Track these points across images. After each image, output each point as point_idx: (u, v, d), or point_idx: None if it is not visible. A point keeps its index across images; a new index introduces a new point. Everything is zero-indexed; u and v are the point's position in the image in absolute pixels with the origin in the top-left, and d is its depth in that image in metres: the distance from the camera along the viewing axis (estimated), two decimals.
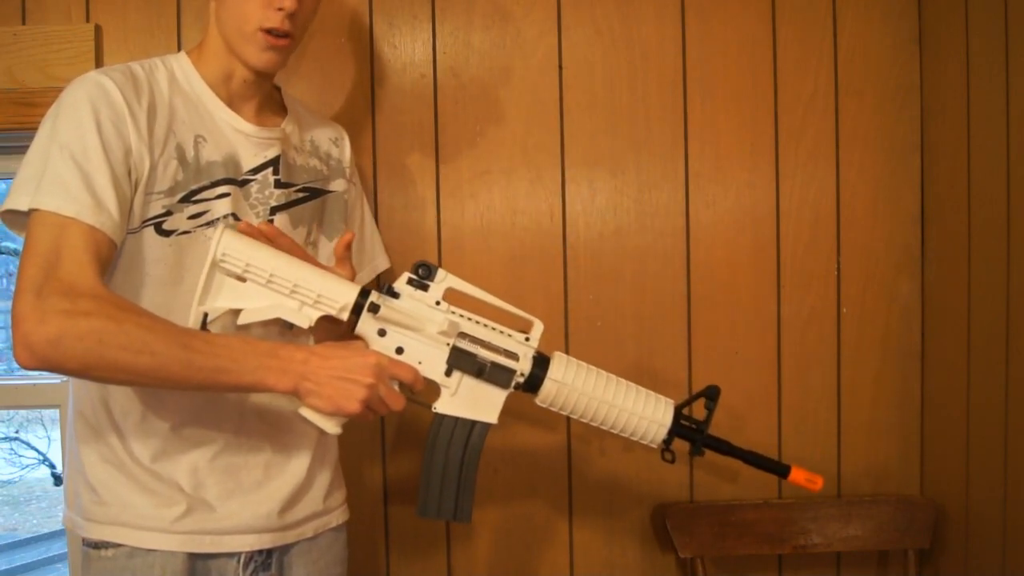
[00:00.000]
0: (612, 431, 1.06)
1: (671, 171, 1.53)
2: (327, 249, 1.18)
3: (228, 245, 0.95)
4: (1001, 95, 1.31)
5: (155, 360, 0.88)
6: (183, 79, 1.07)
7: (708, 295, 1.53)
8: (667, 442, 1.08)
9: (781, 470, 1.10)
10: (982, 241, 1.38)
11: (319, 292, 0.97)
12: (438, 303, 1.01)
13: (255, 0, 1.01)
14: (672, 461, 1.08)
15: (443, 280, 1.01)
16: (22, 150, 0.98)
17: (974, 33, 1.39)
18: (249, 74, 1.08)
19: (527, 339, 1.03)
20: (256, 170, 1.09)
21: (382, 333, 1.00)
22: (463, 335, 1.01)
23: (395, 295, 1.00)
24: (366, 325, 0.99)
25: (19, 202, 0.93)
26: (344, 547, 1.20)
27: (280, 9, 1.01)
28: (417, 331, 1.00)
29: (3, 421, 6.58)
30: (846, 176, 1.54)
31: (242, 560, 1.06)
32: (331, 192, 1.21)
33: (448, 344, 1.00)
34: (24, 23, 1.44)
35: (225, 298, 0.95)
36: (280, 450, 1.11)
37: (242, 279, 0.96)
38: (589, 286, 1.52)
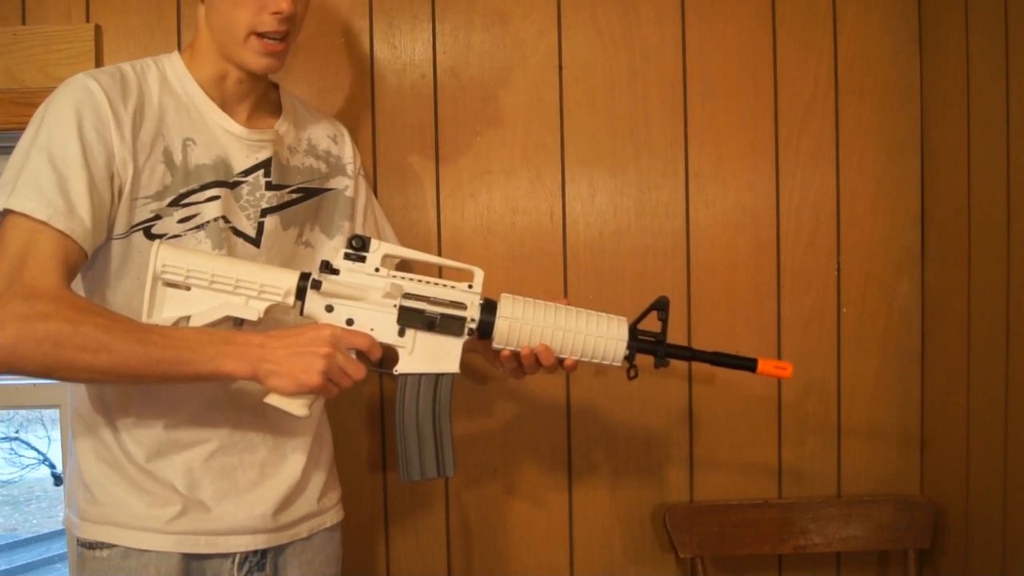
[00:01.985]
0: (573, 357, 1.06)
1: (671, 171, 1.53)
2: (325, 247, 1.18)
3: (166, 257, 0.97)
4: (1001, 95, 1.31)
5: (114, 357, 0.89)
6: (175, 80, 1.06)
7: (708, 295, 1.53)
8: (629, 359, 1.08)
9: (748, 364, 1.10)
10: (982, 241, 1.38)
11: (261, 283, 0.99)
12: (377, 270, 1.02)
13: (247, 5, 1.00)
14: (635, 376, 1.08)
15: (378, 248, 1.03)
16: None
17: (974, 33, 1.39)
18: (243, 75, 1.07)
19: (470, 287, 1.05)
20: (247, 172, 1.09)
21: (330, 309, 1.01)
22: (408, 295, 1.03)
23: (335, 271, 1.02)
24: (313, 304, 1.01)
25: None
26: (338, 547, 1.21)
27: (276, 13, 1.01)
28: (363, 300, 1.02)
29: (3, 421, 6.58)
30: (846, 176, 1.54)
31: (237, 560, 1.07)
32: (330, 190, 1.20)
33: (395, 306, 1.02)
34: (24, 23, 1.45)
35: (171, 308, 0.97)
36: (275, 451, 1.11)
37: (186, 287, 0.98)
38: (589, 286, 1.52)
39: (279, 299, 1.00)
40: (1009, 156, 1.30)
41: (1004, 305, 1.32)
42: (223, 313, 0.98)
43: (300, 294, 1.00)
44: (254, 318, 0.99)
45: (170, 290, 0.98)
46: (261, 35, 1.02)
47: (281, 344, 0.95)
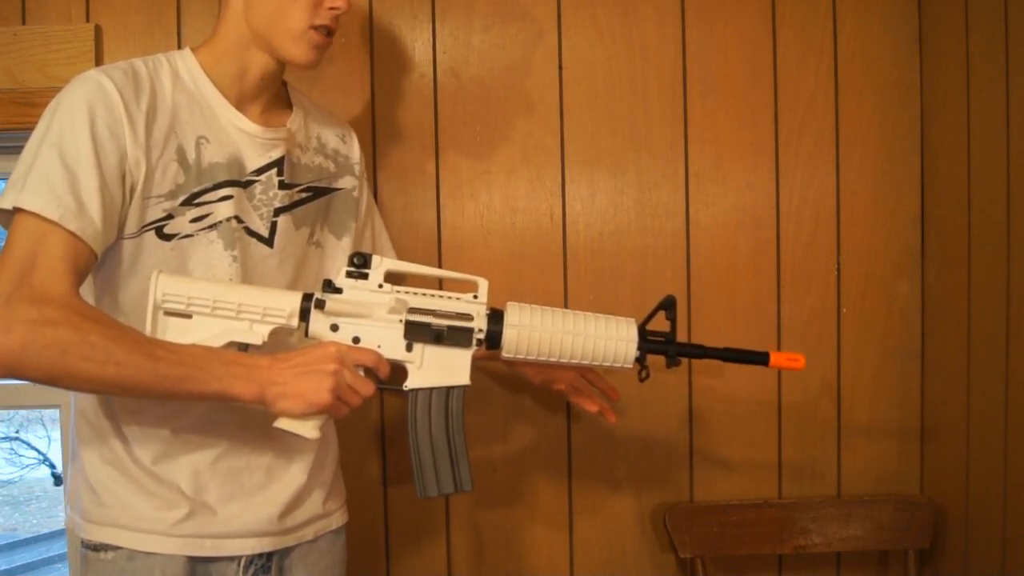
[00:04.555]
0: (584, 362, 1.06)
1: (671, 171, 1.53)
2: (334, 248, 1.18)
3: (166, 286, 0.96)
4: (1001, 95, 1.31)
5: (120, 370, 0.88)
6: (188, 77, 1.05)
7: (708, 295, 1.53)
8: (640, 360, 1.07)
9: (760, 359, 1.09)
10: (982, 241, 1.38)
11: (264, 306, 0.98)
12: (381, 286, 1.01)
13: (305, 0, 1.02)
14: (647, 377, 1.07)
15: (380, 264, 1.02)
16: (21, 150, 0.97)
17: (974, 33, 1.39)
18: (270, 66, 1.07)
19: (475, 297, 1.04)
20: (260, 171, 1.08)
21: (335, 328, 1.01)
22: (414, 310, 1.02)
23: (338, 290, 1.01)
24: (317, 324, 1.00)
25: (5, 201, 0.93)
26: (343, 549, 1.20)
27: (332, 8, 1.03)
28: (368, 317, 1.01)
29: (3, 421, 6.58)
30: (846, 176, 1.54)
31: (242, 563, 1.06)
32: (338, 190, 1.20)
33: (401, 321, 1.01)
34: (24, 23, 1.44)
35: (174, 337, 0.96)
36: (282, 453, 1.10)
37: (188, 315, 0.97)
38: (589, 286, 1.52)
39: (283, 322, 0.99)
40: (1009, 156, 1.30)
41: (1004, 305, 1.32)
42: (227, 339, 0.97)
43: (304, 315, 0.99)
44: (258, 342, 0.98)
45: (172, 319, 0.97)
46: (317, 28, 1.03)
47: (288, 365, 0.94)
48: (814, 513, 1.52)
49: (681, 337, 1.49)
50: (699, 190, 1.53)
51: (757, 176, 1.54)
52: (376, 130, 1.50)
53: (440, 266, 1.49)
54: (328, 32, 1.05)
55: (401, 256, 1.37)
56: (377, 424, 1.52)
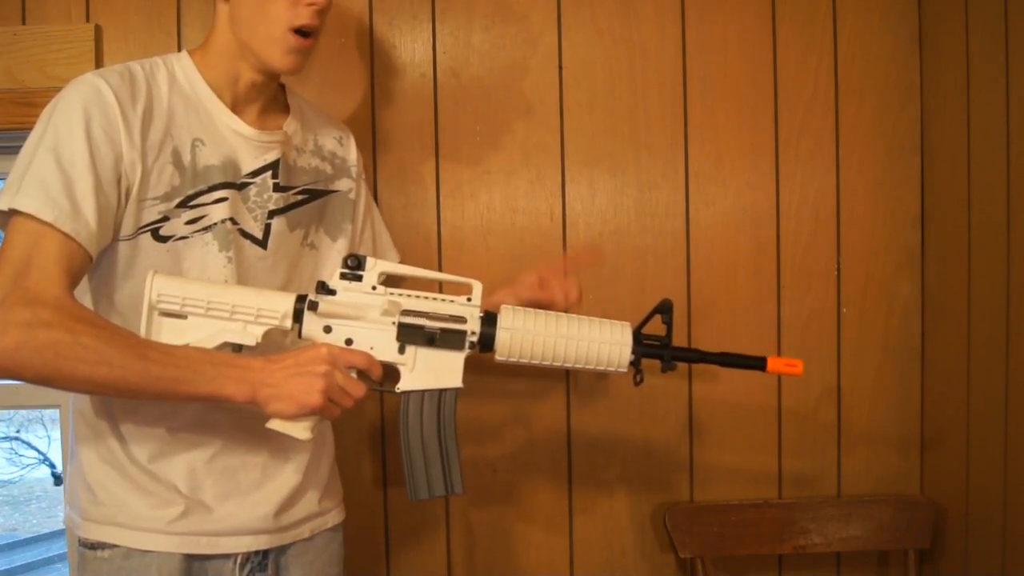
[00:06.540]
0: (578, 366, 1.05)
1: (671, 171, 1.53)
2: (329, 250, 1.18)
3: (161, 286, 0.96)
4: (1001, 95, 1.31)
5: (113, 371, 0.88)
6: (184, 80, 1.06)
7: (708, 295, 1.53)
8: (635, 364, 1.07)
9: (758, 364, 1.08)
10: (982, 241, 1.38)
11: (258, 307, 0.99)
12: (374, 288, 1.02)
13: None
14: (641, 382, 1.07)
15: (374, 267, 1.02)
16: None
17: (974, 33, 1.39)
18: (257, 76, 1.07)
19: (469, 300, 1.04)
20: (255, 173, 1.08)
21: (328, 330, 1.01)
22: (407, 312, 1.02)
23: (331, 292, 1.01)
24: (311, 326, 1.00)
25: (1, 202, 0.93)
26: (340, 546, 1.21)
27: (311, 4, 1.01)
28: (361, 319, 1.01)
29: (3, 421, 6.59)
30: (846, 176, 1.54)
31: (239, 561, 1.07)
32: (335, 192, 1.20)
33: (394, 323, 1.01)
34: (24, 23, 1.45)
35: (169, 338, 0.96)
36: (278, 452, 1.10)
37: (182, 316, 0.97)
38: (589, 286, 1.52)
39: (276, 323, 0.99)
40: (1009, 156, 1.30)
41: (1004, 305, 1.32)
42: (221, 339, 0.98)
43: (297, 317, 1.00)
44: (252, 343, 0.99)
45: (166, 319, 0.97)
46: (297, 30, 1.02)
47: (280, 367, 0.95)
48: (814, 513, 1.52)
49: (681, 338, 1.51)
50: (699, 190, 1.53)
51: (757, 176, 1.54)
52: (376, 130, 1.50)
53: (440, 266, 1.49)
54: (308, 33, 1.03)
55: (401, 256, 1.37)
56: (377, 424, 1.52)
